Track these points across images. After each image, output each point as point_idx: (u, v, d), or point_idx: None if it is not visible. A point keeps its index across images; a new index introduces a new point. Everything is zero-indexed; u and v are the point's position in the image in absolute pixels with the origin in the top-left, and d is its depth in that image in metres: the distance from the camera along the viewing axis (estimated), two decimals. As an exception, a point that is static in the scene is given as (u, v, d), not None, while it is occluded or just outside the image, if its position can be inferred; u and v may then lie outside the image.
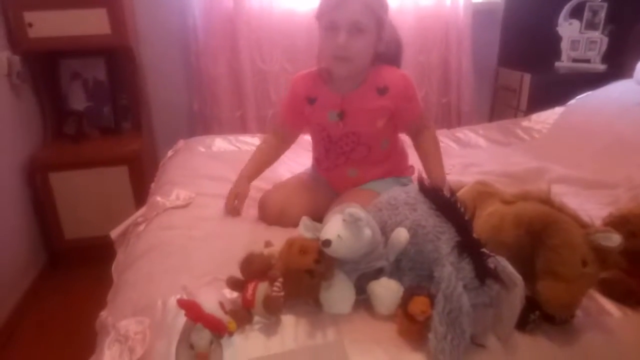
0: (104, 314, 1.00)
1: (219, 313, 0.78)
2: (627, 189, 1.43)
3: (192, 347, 0.72)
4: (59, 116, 2.28)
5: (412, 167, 1.48)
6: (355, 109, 1.30)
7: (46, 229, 2.15)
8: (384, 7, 1.23)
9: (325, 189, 1.42)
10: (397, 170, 1.43)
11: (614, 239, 0.86)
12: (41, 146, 2.19)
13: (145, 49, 2.35)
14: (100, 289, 1.37)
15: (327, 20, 1.20)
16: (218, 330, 0.75)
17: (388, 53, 1.30)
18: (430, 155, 1.37)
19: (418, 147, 1.40)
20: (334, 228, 0.86)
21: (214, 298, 0.83)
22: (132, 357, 0.80)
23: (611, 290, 0.98)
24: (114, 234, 1.41)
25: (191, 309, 0.75)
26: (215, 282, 0.97)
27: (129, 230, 1.39)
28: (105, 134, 2.29)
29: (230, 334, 0.81)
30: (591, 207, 1.30)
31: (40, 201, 2.09)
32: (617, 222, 0.99)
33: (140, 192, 2.09)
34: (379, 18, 1.21)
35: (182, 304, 0.76)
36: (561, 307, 0.87)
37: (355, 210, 0.87)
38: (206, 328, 0.73)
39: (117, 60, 2.27)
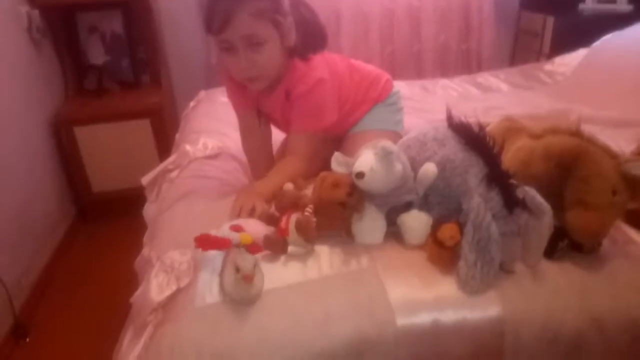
0: (145, 251, 1.05)
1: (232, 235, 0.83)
2: (655, 126, 1.41)
3: (237, 270, 0.76)
4: (79, 71, 2.30)
5: (387, 81, 1.37)
6: (270, 113, 1.26)
7: (74, 183, 2.21)
8: (274, 2, 1.06)
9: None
10: (374, 96, 1.34)
11: (645, 168, 0.87)
12: (64, 101, 2.22)
13: (162, 1, 2.32)
14: (129, 238, 1.42)
15: (219, 41, 1.07)
16: (224, 246, 0.80)
17: (306, 41, 1.14)
18: (279, 170, 1.18)
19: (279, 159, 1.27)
20: (367, 161, 0.88)
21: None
22: (179, 284, 0.85)
23: (638, 221, 0.99)
24: (145, 180, 1.45)
25: (198, 239, 0.80)
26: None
27: (159, 177, 1.43)
28: (125, 88, 2.31)
29: (256, 249, 0.85)
30: (618, 144, 1.29)
31: (67, 156, 2.14)
32: (647, 154, 1.00)
33: (163, 144, 2.12)
34: (273, 18, 1.06)
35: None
36: (590, 234, 0.89)
37: (387, 144, 0.88)
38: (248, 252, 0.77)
39: (133, 13, 2.26)
